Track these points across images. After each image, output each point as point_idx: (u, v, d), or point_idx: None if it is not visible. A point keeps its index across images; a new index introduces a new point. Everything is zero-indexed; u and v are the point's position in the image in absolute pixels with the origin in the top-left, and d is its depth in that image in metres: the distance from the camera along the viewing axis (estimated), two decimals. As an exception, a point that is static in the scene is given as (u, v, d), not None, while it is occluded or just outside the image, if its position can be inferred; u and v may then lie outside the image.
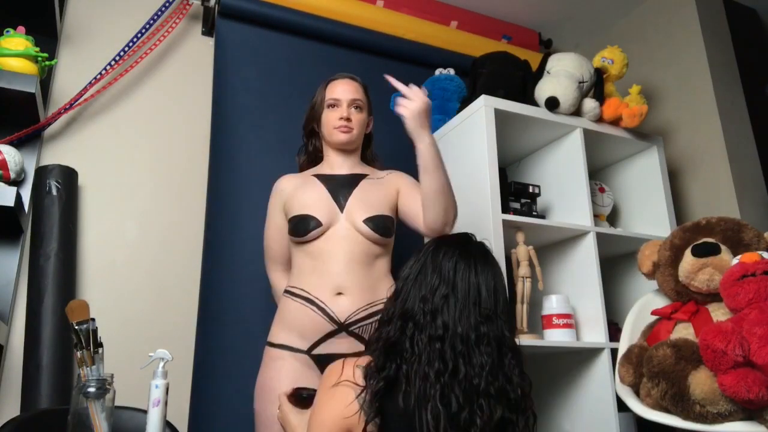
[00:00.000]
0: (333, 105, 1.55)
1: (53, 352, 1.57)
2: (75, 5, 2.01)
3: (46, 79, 1.79)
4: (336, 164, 1.57)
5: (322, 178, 1.55)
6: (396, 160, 1.71)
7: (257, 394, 1.42)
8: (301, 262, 1.47)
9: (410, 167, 1.62)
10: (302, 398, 1.23)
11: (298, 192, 1.52)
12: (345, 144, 1.55)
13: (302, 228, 1.44)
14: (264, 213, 1.60)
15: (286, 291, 1.47)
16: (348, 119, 1.52)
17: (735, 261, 1.40)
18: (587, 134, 1.97)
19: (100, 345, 1.12)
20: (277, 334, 1.44)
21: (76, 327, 1.10)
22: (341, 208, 1.48)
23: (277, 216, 1.56)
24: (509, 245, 1.79)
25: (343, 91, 1.55)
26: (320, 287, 1.40)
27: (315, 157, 1.64)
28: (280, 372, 1.38)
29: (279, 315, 1.47)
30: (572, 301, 1.84)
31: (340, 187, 1.52)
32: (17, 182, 1.65)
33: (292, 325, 1.41)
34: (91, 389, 1.07)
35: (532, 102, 1.95)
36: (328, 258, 1.42)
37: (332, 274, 1.41)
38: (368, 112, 1.61)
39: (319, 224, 1.44)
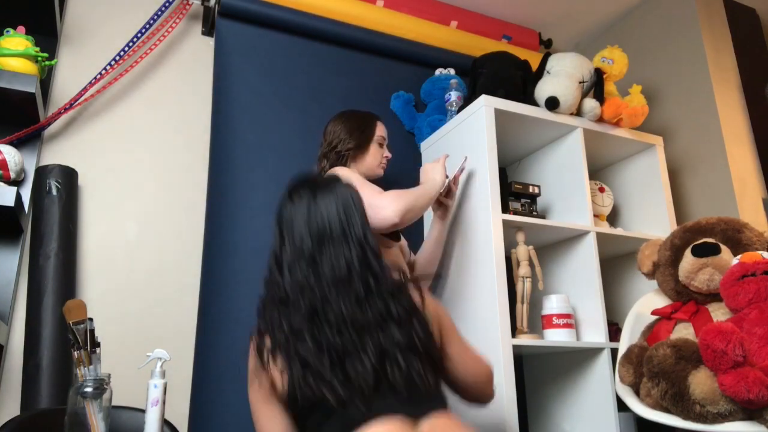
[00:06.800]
0: (382, 144, 1.74)
1: (53, 352, 1.56)
2: (75, 5, 2.01)
3: (46, 79, 1.79)
4: None
5: None
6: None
7: None
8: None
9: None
10: None
11: None
12: (379, 177, 1.75)
13: (397, 234, 1.64)
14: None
15: None
16: (389, 159, 1.76)
17: (735, 261, 1.40)
18: (587, 134, 1.96)
19: (98, 344, 1.12)
20: None
21: (73, 327, 1.10)
22: None
23: None
24: (509, 245, 1.78)
25: (386, 133, 1.76)
26: None
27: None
28: None
29: None
30: (572, 301, 1.83)
31: None
32: (17, 182, 1.65)
33: None
34: (88, 389, 1.07)
35: (532, 102, 1.94)
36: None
37: None
38: None
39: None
